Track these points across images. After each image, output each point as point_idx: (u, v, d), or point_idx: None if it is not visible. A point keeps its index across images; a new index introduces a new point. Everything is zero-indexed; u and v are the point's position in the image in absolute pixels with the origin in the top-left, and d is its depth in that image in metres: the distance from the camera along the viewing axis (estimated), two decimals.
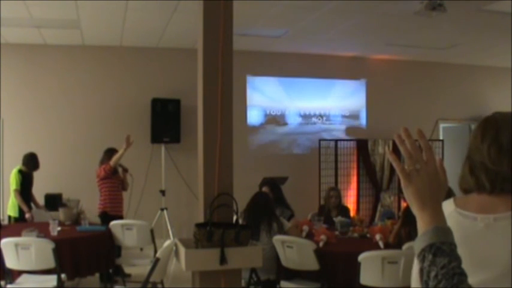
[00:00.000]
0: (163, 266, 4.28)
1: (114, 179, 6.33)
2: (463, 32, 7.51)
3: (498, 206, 1.27)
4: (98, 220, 6.11)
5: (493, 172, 1.29)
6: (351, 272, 3.86)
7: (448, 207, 1.34)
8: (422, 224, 1.09)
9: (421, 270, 1.05)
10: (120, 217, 6.18)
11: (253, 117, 9.00)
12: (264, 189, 5.67)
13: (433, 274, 1.02)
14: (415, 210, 1.11)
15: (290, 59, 9.00)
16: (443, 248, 1.03)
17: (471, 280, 1.02)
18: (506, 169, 1.28)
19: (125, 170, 6.51)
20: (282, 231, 4.57)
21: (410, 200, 1.12)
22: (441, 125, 10.03)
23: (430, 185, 1.09)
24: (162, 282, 4.73)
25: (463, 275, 1.01)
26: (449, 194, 1.26)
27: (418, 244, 1.07)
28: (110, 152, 6.34)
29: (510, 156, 1.28)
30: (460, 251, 1.05)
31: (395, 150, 1.17)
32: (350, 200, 8.89)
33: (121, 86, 8.42)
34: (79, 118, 8.21)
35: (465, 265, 1.03)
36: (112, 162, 6.20)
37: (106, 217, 6.06)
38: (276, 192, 5.68)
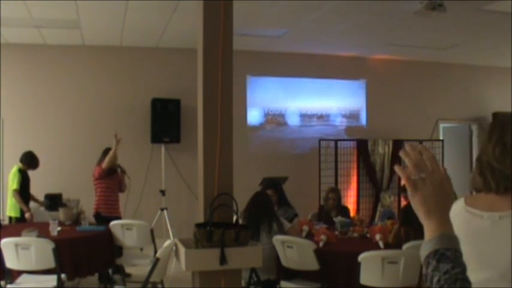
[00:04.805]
0: (163, 266, 4.28)
1: (110, 180, 6.22)
2: (463, 32, 7.51)
3: (504, 205, 1.31)
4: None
5: (498, 171, 1.33)
6: (351, 272, 3.87)
7: (459, 205, 1.39)
8: (428, 232, 1.09)
9: (425, 276, 1.05)
10: (115, 218, 5.91)
11: (253, 117, 9.00)
12: (268, 192, 5.71)
13: (435, 279, 1.02)
14: (422, 219, 1.11)
15: (290, 59, 9.00)
16: (447, 254, 1.03)
17: (477, 276, 1.02)
18: (510, 168, 1.31)
19: (123, 172, 6.44)
20: (282, 231, 4.57)
21: (417, 209, 1.12)
22: (441, 125, 10.03)
23: (436, 194, 1.09)
24: (162, 282, 4.73)
25: (466, 281, 1.01)
26: None
27: (423, 251, 1.07)
28: (107, 152, 6.25)
29: None
30: (467, 247, 1.06)
31: (396, 157, 1.18)
32: (350, 200, 8.89)
33: (121, 86, 8.42)
34: (79, 118, 8.21)
35: (471, 261, 1.04)
36: (104, 164, 6.09)
37: (100, 218, 5.97)
38: (279, 193, 5.83)
